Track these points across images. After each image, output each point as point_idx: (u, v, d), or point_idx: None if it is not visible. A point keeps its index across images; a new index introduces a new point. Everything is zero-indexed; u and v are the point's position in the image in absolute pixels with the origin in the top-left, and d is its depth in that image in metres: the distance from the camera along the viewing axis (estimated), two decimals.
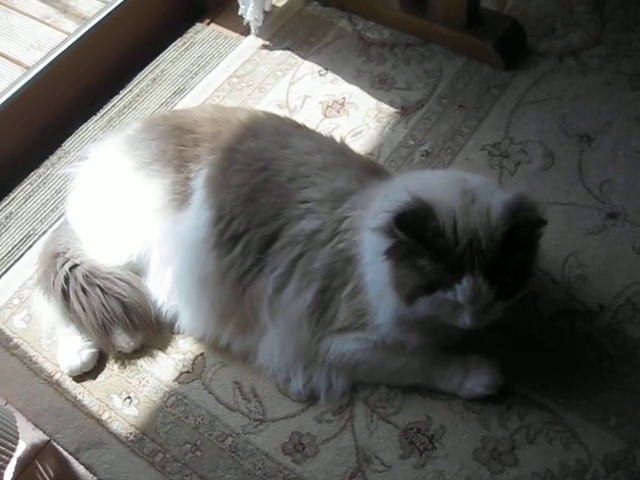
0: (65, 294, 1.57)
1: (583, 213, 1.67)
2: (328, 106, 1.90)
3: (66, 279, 1.57)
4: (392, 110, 1.88)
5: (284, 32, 2.11)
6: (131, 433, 1.48)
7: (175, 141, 1.58)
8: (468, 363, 1.47)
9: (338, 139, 1.60)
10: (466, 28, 1.89)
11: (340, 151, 1.57)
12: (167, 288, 1.57)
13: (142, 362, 1.59)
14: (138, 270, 1.61)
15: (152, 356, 1.59)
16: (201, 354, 1.58)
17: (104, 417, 1.51)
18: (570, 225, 1.66)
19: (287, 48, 2.05)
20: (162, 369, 1.57)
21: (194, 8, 2.18)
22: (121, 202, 1.59)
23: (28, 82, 1.94)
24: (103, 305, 1.56)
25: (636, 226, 1.64)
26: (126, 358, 1.59)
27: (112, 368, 1.57)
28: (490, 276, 1.27)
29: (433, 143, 1.81)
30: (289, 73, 2.00)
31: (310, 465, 1.43)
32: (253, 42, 2.08)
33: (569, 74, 1.89)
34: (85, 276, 1.58)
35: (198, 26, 2.12)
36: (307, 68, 2.00)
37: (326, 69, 1.98)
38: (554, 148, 1.78)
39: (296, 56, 2.03)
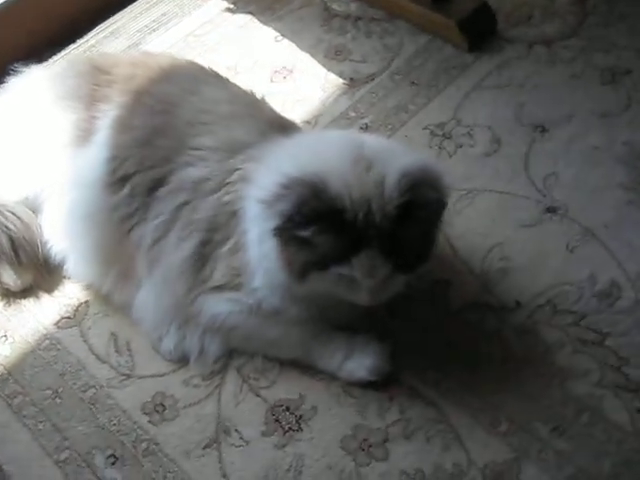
0: None
1: (520, 204, 1.51)
2: (276, 71, 1.80)
3: None
4: (340, 81, 1.76)
5: None
6: None
7: (91, 80, 1.51)
8: (354, 342, 1.32)
9: (259, 96, 1.49)
10: (432, 5, 1.77)
11: (253, 104, 1.46)
12: (58, 228, 1.49)
13: (27, 302, 1.50)
14: (34, 208, 1.52)
15: (38, 297, 1.50)
16: (86, 301, 1.48)
17: None
18: (503, 215, 1.50)
19: (250, 12, 1.96)
20: (45, 312, 1.48)
21: None
22: (27, 134, 1.51)
23: None
24: None
25: (575, 223, 1.47)
26: (12, 296, 1.50)
27: None
28: (386, 250, 1.16)
29: (375, 117, 1.67)
30: (245, 36, 1.91)
31: (166, 429, 1.31)
32: (218, 3, 2.00)
33: (536, 62, 1.74)
34: None
35: None
36: (264, 33, 1.91)
37: (283, 36, 1.88)
38: (503, 135, 1.62)
39: (256, 20, 1.94)
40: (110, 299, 1.46)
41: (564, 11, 1.84)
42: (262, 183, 1.26)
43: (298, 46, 1.85)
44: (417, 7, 1.79)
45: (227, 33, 1.93)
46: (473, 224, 1.49)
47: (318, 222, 1.16)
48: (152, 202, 1.38)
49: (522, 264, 1.43)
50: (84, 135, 1.46)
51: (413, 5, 1.80)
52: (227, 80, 1.53)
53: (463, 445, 1.24)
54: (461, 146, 1.62)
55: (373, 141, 1.29)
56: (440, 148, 1.61)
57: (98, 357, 1.41)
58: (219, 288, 1.34)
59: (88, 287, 1.50)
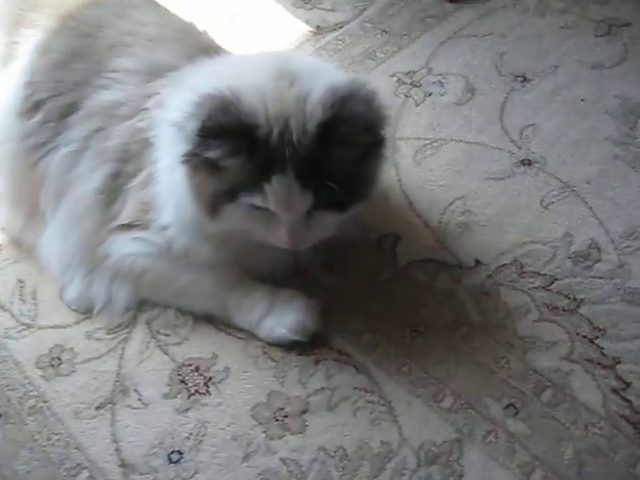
0: None
1: (490, 155, 1.31)
2: (234, 15, 1.64)
3: None
4: (306, 28, 1.59)
5: None
6: None
7: (19, 5, 1.35)
8: (276, 295, 1.12)
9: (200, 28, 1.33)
10: None
11: (184, 30, 1.29)
12: None
13: None
14: None
15: None
16: None
17: None
18: (469, 167, 1.30)
19: None
20: None
21: None
22: None
23: None
24: None
25: (553, 178, 1.26)
26: None
27: None
28: (303, 175, 0.97)
29: (338, 64, 1.46)
30: None
31: (58, 385, 1.12)
32: None
33: (523, 13, 1.55)
34: None
35: None
36: None
37: None
38: (478, 84, 1.43)
39: None
40: (21, 242, 1.28)
41: None
42: (176, 105, 1.09)
43: None
44: None
45: None
46: (434, 175, 1.29)
47: (226, 140, 0.97)
48: (63, 129, 1.20)
49: (487, 219, 1.22)
50: (3, 61, 1.33)
51: None
52: (163, 8, 1.35)
53: (396, 420, 1.03)
54: (430, 94, 1.42)
55: (302, 59, 1.11)
56: (406, 96, 1.42)
57: (0, 304, 1.23)
58: (128, 227, 1.16)
59: (2, 230, 1.32)
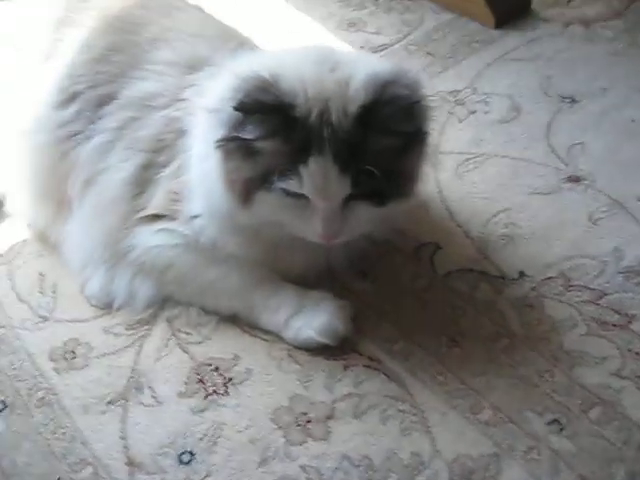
0: None
1: (536, 171, 1.25)
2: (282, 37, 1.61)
3: None
4: (349, 49, 1.55)
5: None
6: None
7: (65, 6, 1.34)
8: (306, 297, 1.06)
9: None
10: None
11: (226, 30, 1.28)
12: (3, 158, 1.31)
13: None
14: None
15: None
16: (24, 240, 1.27)
17: None
18: (514, 181, 1.24)
19: None
20: None
21: None
22: None
23: None
24: None
25: (601, 194, 1.19)
26: None
27: None
28: (342, 159, 0.93)
29: None
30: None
31: (70, 378, 1.07)
32: None
33: (571, 40, 1.51)
34: None
35: None
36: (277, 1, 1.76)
37: (295, 8, 1.74)
38: (524, 104, 1.38)
39: None
40: (46, 236, 1.25)
41: None
42: (214, 91, 1.06)
43: (310, 16, 1.68)
44: None
45: None
46: (476, 189, 1.23)
47: (264, 119, 0.93)
48: (98, 119, 1.18)
49: (532, 232, 1.16)
50: (44, 57, 1.31)
51: None
52: (207, 13, 1.35)
53: (429, 432, 0.94)
54: (474, 112, 1.38)
55: (344, 49, 1.08)
56: (450, 113, 1.38)
57: (19, 296, 1.19)
58: (155, 218, 1.11)
59: (29, 226, 1.29)
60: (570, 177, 1.24)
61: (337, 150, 0.93)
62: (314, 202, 0.96)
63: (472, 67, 1.49)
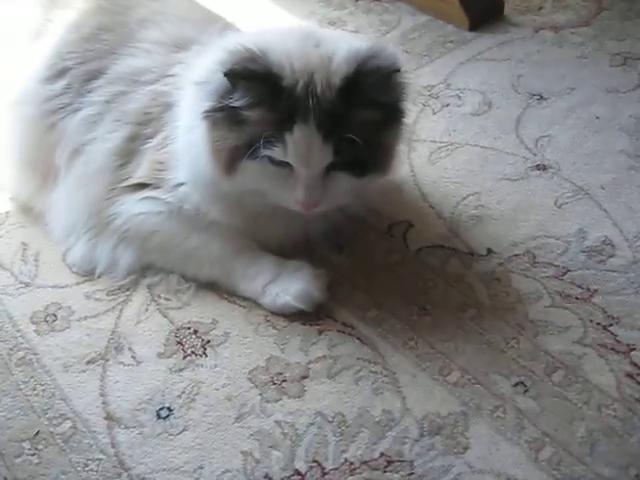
0: None
1: (505, 159, 1.31)
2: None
3: None
4: None
5: None
6: None
7: None
8: (283, 265, 1.10)
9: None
10: None
11: (212, 16, 1.33)
12: None
13: None
14: None
15: None
16: (7, 212, 1.29)
17: None
18: (483, 168, 1.30)
19: None
20: None
21: None
22: None
23: None
24: None
25: (567, 182, 1.26)
26: None
27: None
28: (326, 128, 0.98)
29: None
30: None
31: (50, 339, 1.09)
32: None
33: (541, 43, 1.59)
34: None
35: None
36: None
37: (277, 4, 1.79)
38: (495, 99, 1.45)
39: None
40: (30, 207, 1.27)
41: (578, 5, 1.71)
42: (202, 65, 1.11)
43: (292, 14, 1.74)
44: None
45: None
46: (448, 174, 1.29)
47: (252, 87, 0.98)
48: (87, 93, 1.22)
49: (500, 214, 1.21)
50: (34, 36, 1.35)
51: None
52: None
53: (400, 391, 0.98)
54: (447, 105, 1.44)
55: (330, 31, 1.15)
56: (424, 105, 1.44)
57: (1, 264, 1.21)
58: (139, 186, 1.15)
59: (12, 199, 1.31)
60: (538, 165, 1.30)
61: (321, 119, 0.98)
62: (297, 170, 1.01)
63: (446, 65, 1.56)
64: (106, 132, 1.19)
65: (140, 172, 1.15)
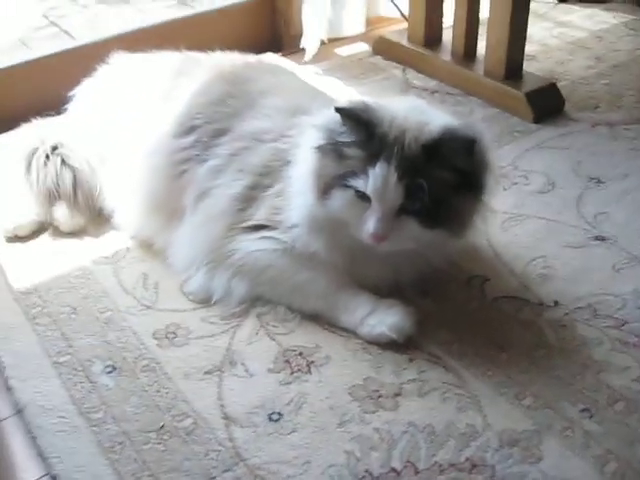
0: (29, 162, 1.59)
1: (568, 230, 1.50)
2: None
3: (36, 149, 1.60)
4: None
5: (340, 68, 2.22)
6: (25, 287, 1.41)
7: (183, 59, 1.65)
8: (379, 302, 1.29)
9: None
10: (505, 79, 1.91)
11: (316, 89, 1.59)
12: (118, 177, 1.55)
13: (71, 242, 1.54)
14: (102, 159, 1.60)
15: (81, 239, 1.54)
16: (127, 248, 1.51)
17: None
18: (549, 236, 1.49)
19: (337, 78, 2.15)
20: (85, 250, 1.51)
21: (272, 44, 2.36)
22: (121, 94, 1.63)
23: None
24: (57, 173, 1.57)
25: (624, 252, 1.43)
26: (59, 235, 1.55)
27: (42, 241, 1.54)
28: (402, 170, 1.17)
29: None
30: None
31: (171, 353, 1.27)
32: (309, 69, 2.19)
33: (597, 136, 1.81)
34: (53, 147, 1.60)
35: (269, 55, 2.29)
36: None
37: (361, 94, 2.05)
38: (558, 180, 1.65)
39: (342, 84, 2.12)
40: (152, 243, 1.48)
41: (630, 106, 1.94)
42: (319, 116, 1.32)
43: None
44: (490, 81, 1.94)
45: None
46: (518, 239, 1.48)
47: (356, 129, 1.20)
48: (214, 147, 1.44)
49: (565, 274, 1.39)
50: (164, 99, 1.55)
51: (487, 79, 1.95)
52: (301, 77, 1.67)
53: (481, 410, 1.14)
54: (516, 183, 1.65)
55: (435, 108, 1.35)
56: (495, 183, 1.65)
57: (124, 289, 1.41)
58: (257, 227, 1.35)
59: (133, 237, 1.53)
60: (597, 237, 1.48)
61: (400, 163, 1.18)
62: (373, 204, 1.19)
63: (513, 151, 1.78)
64: (230, 180, 1.40)
65: (258, 215, 1.36)
